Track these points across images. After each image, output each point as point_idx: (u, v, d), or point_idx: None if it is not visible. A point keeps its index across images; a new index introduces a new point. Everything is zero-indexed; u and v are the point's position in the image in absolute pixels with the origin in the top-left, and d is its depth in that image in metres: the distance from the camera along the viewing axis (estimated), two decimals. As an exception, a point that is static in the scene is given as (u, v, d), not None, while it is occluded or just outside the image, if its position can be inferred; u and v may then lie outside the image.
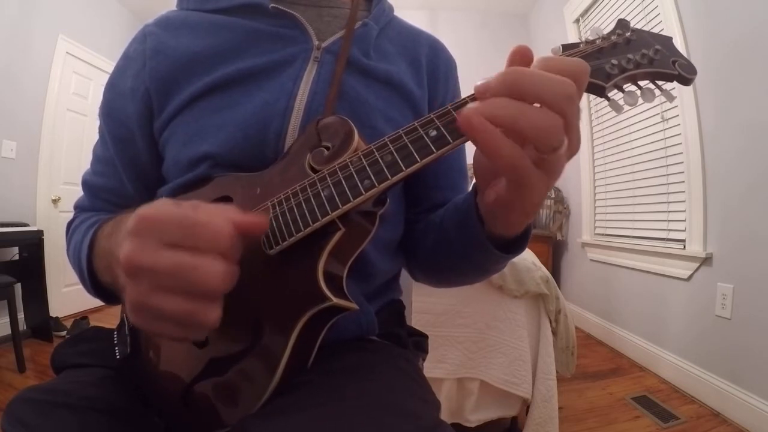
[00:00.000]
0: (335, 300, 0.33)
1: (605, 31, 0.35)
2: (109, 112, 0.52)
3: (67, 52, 2.76)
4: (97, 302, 0.51)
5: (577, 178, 2.85)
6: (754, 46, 1.51)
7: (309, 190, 0.34)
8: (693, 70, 0.34)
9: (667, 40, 0.35)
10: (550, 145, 0.25)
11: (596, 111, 2.69)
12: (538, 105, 0.25)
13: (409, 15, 0.78)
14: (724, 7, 1.64)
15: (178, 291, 0.25)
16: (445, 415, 1.23)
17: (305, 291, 0.34)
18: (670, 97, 0.35)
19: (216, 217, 0.27)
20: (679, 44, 1.84)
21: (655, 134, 2.10)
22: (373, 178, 0.31)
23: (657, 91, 0.34)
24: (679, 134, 1.90)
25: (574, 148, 0.28)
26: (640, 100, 0.34)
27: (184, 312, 0.25)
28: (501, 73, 0.26)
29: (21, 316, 2.20)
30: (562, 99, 0.25)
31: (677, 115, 1.91)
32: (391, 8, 0.59)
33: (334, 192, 0.33)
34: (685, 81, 0.34)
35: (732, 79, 1.61)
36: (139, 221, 0.26)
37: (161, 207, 0.27)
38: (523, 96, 0.25)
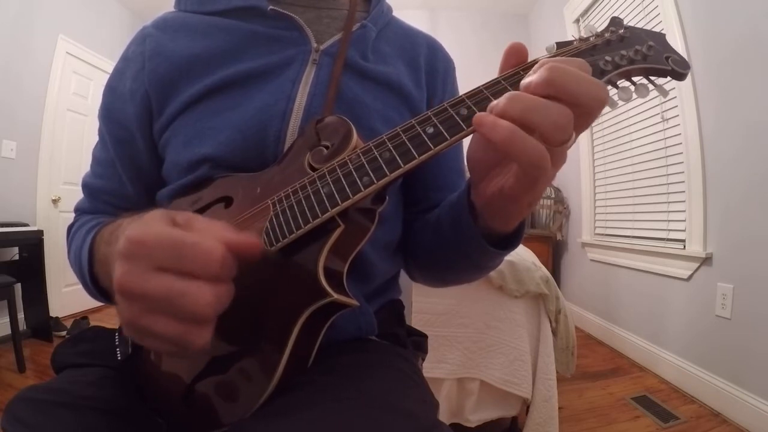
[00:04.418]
0: (335, 296, 0.33)
1: (599, 29, 0.35)
2: (109, 114, 0.52)
3: (67, 52, 2.76)
4: (97, 302, 0.51)
5: (577, 178, 2.85)
6: (754, 46, 1.50)
7: (309, 187, 0.34)
8: (686, 65, 0.34)
9: (660, 37, 0.35)
10: (561, 139, 0.26)
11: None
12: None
13: (409, 15, 0.78)
14: (724, 7, 1.64)
15: (168, 314, 0.25)
16: (445, 415, 1.23)
17: (306, 287, 0.34)
18: (664, 92, 0.35)
19: (207, 238, 0.26)
20: (679, 44, 1.83)
21: (655, 134, 2.10)
22: (371, 174, 0.31)
23: (650, 87, 0.34)
24: (679, 134, 1.90)
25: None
26: (634, 96, 0.34)
27: (174, 334, 0.25)
28: (544, 68, 0.26)
29: (21, 316, 2.20)
30: (596, 103, 0.27)
31: (677, 115, 1.91)
32: (389, 9, 0.59)
33: (333, 189, 0.33)
34: (679, 76, 0.34)
35: (732, 79, 1.61)
36: (129, 244, 0.26)
37: (151, 227, 0.26)
38: (559, 94, 0.26)
